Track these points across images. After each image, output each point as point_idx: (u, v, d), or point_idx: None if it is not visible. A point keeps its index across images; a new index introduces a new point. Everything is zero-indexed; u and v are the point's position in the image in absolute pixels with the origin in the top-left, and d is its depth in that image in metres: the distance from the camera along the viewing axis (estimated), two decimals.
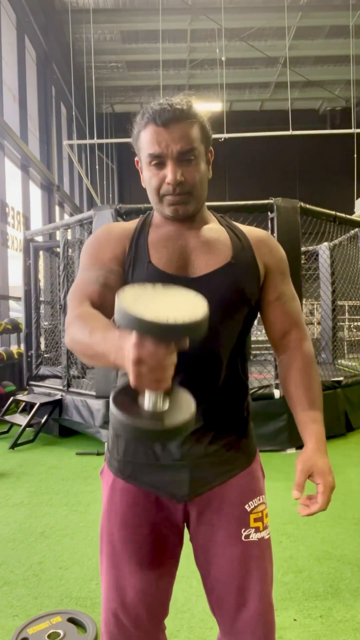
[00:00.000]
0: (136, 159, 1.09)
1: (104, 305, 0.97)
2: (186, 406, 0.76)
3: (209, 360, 1.03)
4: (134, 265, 1.06)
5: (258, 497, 1.09)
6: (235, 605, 1.05)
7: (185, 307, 0.71)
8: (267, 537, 1.09)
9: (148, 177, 1.04)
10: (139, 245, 1.07)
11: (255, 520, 1.07)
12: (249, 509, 1.07)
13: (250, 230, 1.15)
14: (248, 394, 1.15)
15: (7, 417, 5.15)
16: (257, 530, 1.07)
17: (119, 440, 1.10)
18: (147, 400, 0.73)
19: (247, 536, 1.05)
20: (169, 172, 1.00)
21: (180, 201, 1.02)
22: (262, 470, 1.16)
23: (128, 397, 0.75)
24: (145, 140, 1.01)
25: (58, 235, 5.48)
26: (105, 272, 1.03)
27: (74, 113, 13.39)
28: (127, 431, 0.72)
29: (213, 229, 1.11)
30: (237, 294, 1.04)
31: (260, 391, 4.26)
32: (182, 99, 1.02)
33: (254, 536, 1.06)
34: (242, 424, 1.11)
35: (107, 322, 0.88)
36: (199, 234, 1.09)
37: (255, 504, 1.08)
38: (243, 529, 1.05)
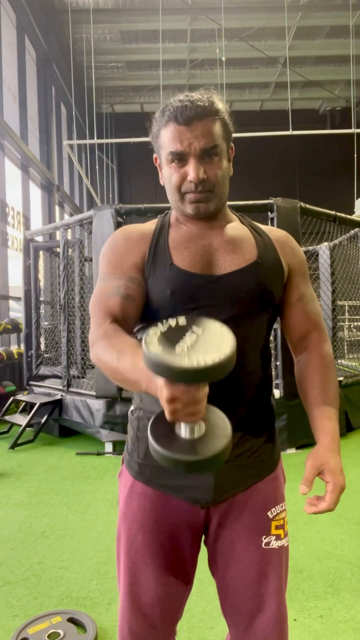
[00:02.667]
0: (155, 156, 1.06)
1: (126, 318, 0.98)
2: (222, 430, 0.76)
3: (237, 360, 1.00)
4: (155, 269, 1.02)
5: (280, 504, 1.07)
6: (250, 610, 1.04)
7: (213, 344, 0.71)
8: (286, 544, 1.07)
9: (168, 175, 1.01)
10: (158, 247, 1.04)
11: (277, 527, 1.05)
12: (271, 516, 1.05)
13: (271, 230, 1.14)
14: (272, 396, 1.13)
15: (7, 417, 5.15)
16: (277, 537, 1.04)
17: (140, 443, 1.06)
18: (184, 430, 0.75)
19: (268, 543, 1.03)
20: (191, 170, 0.97)
21: (202, 199, 1.00)
22: (283, 475, 1.14)
23: (165, 426, 0.76)
24: (166, 139, 0.99)
25: (58, 235, 5.47)
26: (125, 282, 1.01)
27: (74, 113, 13.39)
28: (166, 463, 0.74)
29: (236, 227, 1.09)
30: (263, 293, 1.03)
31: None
32: (203, 94, 0.99)
33: (275, 544, 1.04)
34: (267, 427, 1.08)
35: (132, 344, 0.88)
36: (223, 233, 1.06)
37: (278, 511, 1.06)
38: (264, 536, 1.03)
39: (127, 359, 0.84)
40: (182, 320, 0.75)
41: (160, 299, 1.00)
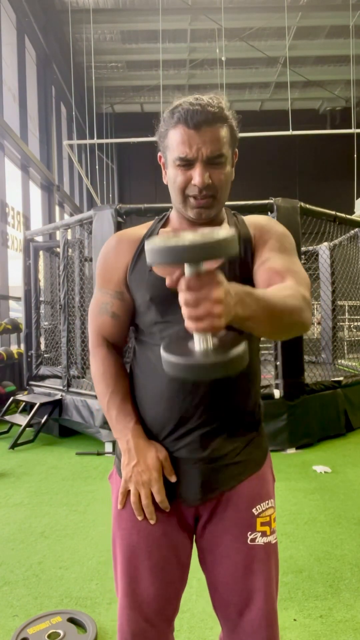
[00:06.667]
0: (159, 154, 1.07)
1: (113, 335, 1.14)
2: (236, 342, 0.75)
3: None
4: (137, 275, 1.07)
5: (266, 501, 1.08)
6: (238, 607, 1.05)
7: (210, 232, 0.70)
8: (273, 541, 1.08)
9: (173, 176, 1.02)
10: (142, 255, 1.07)
11: (262, 524, 1.06)
12: (256, 513, 1.06)
13: (250, 218, 1.14)
14: (259, 396, 1.13)
15: (7, 417, 5.15)
16: (263, 534, 1.06)
17: None
18: (198, 342, 0.74)
19: (253, 539, 1.05)
20: (196, 175, 0.99)
21: (204, 205, 1.02)
22: (272, 473, 1.15)
23: (178, 345, 0.78)
24: (175, 141, 1.00)
25: (58, 235, 5.47)
26: (111, 299, 1.11)
27: (74, 113, 13.39)
28: (182, 373, 0.75)
29: (220, 227, 1.10)
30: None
31: (260, 391, 4.26)
32: (213, 98, 1.00)
33: (260, 540, 1.05)
34: (253, 427, 1.10)
35: (123, 390, 1.09)
36: None
37: (263, 508, 1.07)
38: (249, 532, 1.05)
39: (113, 410, 1.07)
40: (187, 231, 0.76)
41: (142, 303, 1.07)
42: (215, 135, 0.98)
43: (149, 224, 1.16)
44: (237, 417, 1.06)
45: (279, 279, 0.98)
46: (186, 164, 0.99)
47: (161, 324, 1.05)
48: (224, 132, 1.00)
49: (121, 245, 1.11)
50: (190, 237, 0.68)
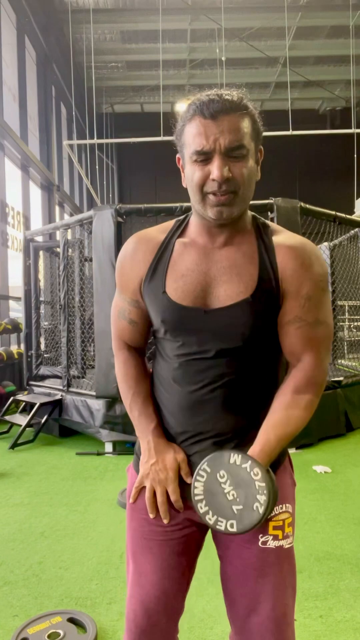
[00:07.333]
0: (178, 156, 1.01)
1: (135, 343, 1.15)
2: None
3: (237, 382, 1.02)
4: (150, 292, 1.04)
5: (280, 506, 1.06)
6: (246, 609, 1.05)
7: (250, 497, 0.94)
8: (287, 546, 1.05)
9: (191, 173, 0.95)
10: (157, 270, 1.03)
11: (275, 528, 1.04)
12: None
13: (283, 241, 1.02)
14: None
15: (7, 417, 5.14)
16: (275, 538, 1.04)
17: None
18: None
19: (265, 542, 1.03)
20: (215, 168, 0.90)
21: (225, 202, 0.93)
22: (292, 478, 1.12)
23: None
24: (191, 134, 0.92)
25: (58, 235, 5.47)
26: (129, 306, 1.11)
27: (74, 113, 13.40)
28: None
29: (244, 244, 1.02)
30: (255, 330, 1.00)
31: None
32: (231, 90, 0.95)
33: (272, 543, 1.04)
34: None
35: (145, 392, 1.11)
36: (226, 255, 1.01)
37: (276, 512, 1.05)
38: (260, 535, 1.03)
39: (135, 411, 1.10)
40: (217, 470, 0.97)
41: (155, 320, 1.07)
42: (234, 124, 0.90)
43: (168, 227, 1.08)
44: (252, 425, 1.04)
45: (301, 354, 1.03)
46: (204, 158, 0.92)
47: (173, 342, 1.04)
48: (244, 122, 0.92)
49: (138, 252, 1.06)
50: (226, 520, 0.96)
